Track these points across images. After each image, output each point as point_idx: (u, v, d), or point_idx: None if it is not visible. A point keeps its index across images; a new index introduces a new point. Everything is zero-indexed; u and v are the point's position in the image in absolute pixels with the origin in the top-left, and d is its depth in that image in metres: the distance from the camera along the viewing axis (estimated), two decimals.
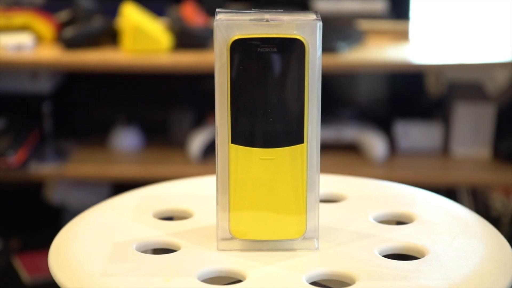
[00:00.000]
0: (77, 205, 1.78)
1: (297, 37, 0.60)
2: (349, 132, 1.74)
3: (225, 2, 1.73)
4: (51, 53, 1.61)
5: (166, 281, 0.58)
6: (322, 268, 0.61)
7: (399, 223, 0.71)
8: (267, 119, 0.61)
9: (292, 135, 0.62)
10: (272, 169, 0.62)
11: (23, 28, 1.67)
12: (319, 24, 0.60)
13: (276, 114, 0.61)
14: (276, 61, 0.60)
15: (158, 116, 1.81)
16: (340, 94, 1.91)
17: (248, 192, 0.63)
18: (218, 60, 0.61)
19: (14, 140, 1.66)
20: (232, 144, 0.62)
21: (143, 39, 1.57)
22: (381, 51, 1.66)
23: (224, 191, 0.63)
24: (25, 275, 1.64)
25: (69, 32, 1.62)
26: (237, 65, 0.60)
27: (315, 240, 0.63)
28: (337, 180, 0.82)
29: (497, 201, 1.86)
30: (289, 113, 0.61)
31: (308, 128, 0.61)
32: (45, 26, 1.66)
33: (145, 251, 0.65)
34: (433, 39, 1.72)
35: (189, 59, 1.58)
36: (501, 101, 1.78)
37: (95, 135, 1.83)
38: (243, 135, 0.62)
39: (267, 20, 0.60)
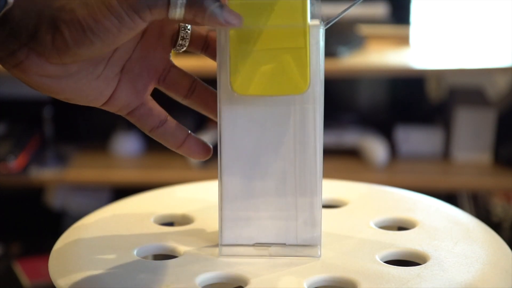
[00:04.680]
0: (78, 210, 1.78)
1: None
2: (350, 137, 1.74)
3: None
4: None
5: (167, 287, 0.58)
6: (324, 274, 0.60)
7: (400, 228, 0.71)
8: None
9: None
10: None
11: None
12: (322, 30, 0.60)
13: None
14: None
15: None
16: (340, 99, 1.91)
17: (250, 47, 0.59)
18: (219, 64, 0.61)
19: (14, 145, 1.66)
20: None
21: None
22: (381, 56, 1.66)
23: None
24: (25, 280, 1.64)
25: None
26: None
27: (318, 247, 0.63)
28: (338, 185, 0.82)
29: (498, 206, 1.86)
30: None
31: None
32: None
33: (145, 257, 0.65)
34: (433, 44, 1.72)
35: (190, 63, 1.58)
36: (502, 106, 1.78)
37: (96, 140, 1.83)
38: None
39: None
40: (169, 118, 0.63)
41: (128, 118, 0.63)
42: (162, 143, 0.64)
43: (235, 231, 0.63)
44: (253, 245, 0.63)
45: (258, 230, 0.63)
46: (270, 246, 0.63)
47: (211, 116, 0.65)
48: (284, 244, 0.63)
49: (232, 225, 0.63)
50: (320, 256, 0.63)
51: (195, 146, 0.64)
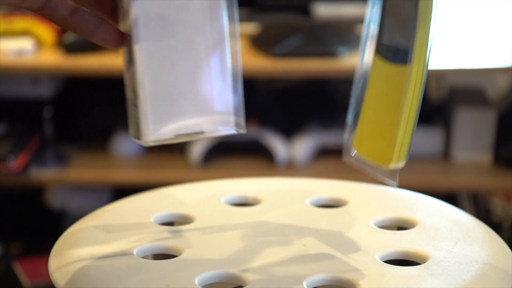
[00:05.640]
0: (78, 210, 1.78)
1: None
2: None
3: None
4: (52, 58, 1.61)
5: (167, 287, 0.58)
6: (323, 273, 0.60)
7: (400, 228, 0.71)
8: None
9: None
10: None
11: (23, 33, 1.67)
12: None
13: None
14: None
15: None
16: (340, 99, 1.91)
17: None
18: None
19: (14, 145, 1.66)
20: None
21: None
22: None
23: None
24: (25, 280, 1.64)
25: (70, 37, 1.62)
26: None
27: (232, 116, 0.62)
28: (338, 185, 0.82)
29: (498, 206, 1.86)
30: None
31: None
32: (45, 31, 1.67)
33: (145, 257, 0.65)
34: (433, 44, 1.72)
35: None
36: (502, 106, 1.78)
37: (96, 140, 1.83)
38: None
39: None
40: (81, 7, 0.62)
41: (39, 13, 0.61)
42: (76, 33, 0.62)
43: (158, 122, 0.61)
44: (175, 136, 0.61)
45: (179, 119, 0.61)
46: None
47: (92, 40, 0.63)
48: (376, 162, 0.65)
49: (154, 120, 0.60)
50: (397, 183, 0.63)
51: (108, 33, 0.62)
